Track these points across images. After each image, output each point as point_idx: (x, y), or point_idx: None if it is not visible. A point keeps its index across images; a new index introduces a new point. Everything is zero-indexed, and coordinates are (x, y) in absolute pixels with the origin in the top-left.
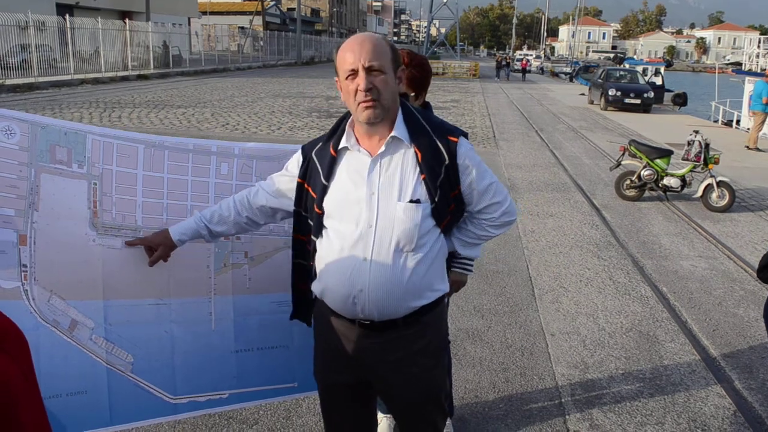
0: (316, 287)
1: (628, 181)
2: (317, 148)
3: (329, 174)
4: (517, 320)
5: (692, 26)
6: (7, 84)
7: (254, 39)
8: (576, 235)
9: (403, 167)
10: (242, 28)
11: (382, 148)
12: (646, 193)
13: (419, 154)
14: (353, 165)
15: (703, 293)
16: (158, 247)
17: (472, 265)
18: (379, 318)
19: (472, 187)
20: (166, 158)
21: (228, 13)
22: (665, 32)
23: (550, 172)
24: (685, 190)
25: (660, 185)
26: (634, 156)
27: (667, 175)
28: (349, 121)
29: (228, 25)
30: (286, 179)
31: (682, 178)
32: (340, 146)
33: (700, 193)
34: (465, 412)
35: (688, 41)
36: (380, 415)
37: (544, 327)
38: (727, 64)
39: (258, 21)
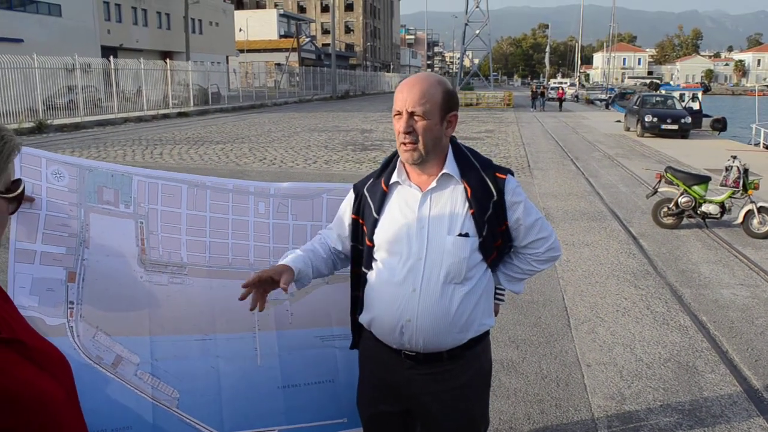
0: (364, 317)
1: (665, 209)
2: (369, 184)
3: (380, 208)
4: (553, 351)
5: (730, 49)
6: (55, 124)
7: (290, 75)
8: (612, 265)
9: (452, 202)
10: (279, 64)
11: (433, 184)
12: (685, 221)
13: (468, 190)
14: (404, 199)
15: (745, 322)
16: (280, 275)
17: (504, 294)
18: (425, 349)
19: (518, 223)
20: (208, 197)
21: (265, 50)
22: (702, 56)
23: (585, 200)
24: (725, 217)
25: (698, 212)
26: (670, 183)
27: (705, 201)
28: (401, 157)
29: (265, 62)
30: (342, 222)
31: (721, 205)
32: (392, 181)
33: (740, 219)
34: None
35: (727, 64)
36: None
37: (580, 358)
38: (767, 86)
39: (294, 57)
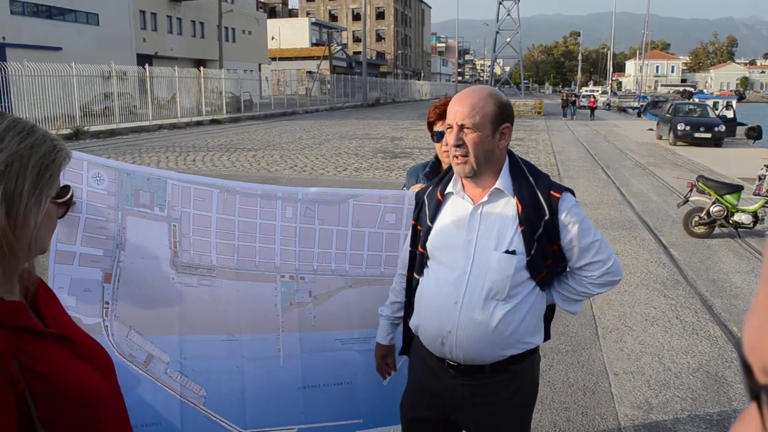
0: (412, 323)
1: (696, 218)
2: (428, 191)
3: (434, 216)
4: (580, 359)
5: (766, 56)
6: (91, 130)
7: (321, 83)
8: (642, 274)
9: (503, 217)
10: (310, 72)
11: (485, 198)
12: (717, 230)
13: (520, 207)
14: (456, 210)
15: None
16: (387, 360)
17: None
18: (465, 361)
19: (572, 244)
20: (237, 202)
21: (296, 58)
22: (737, 63)
23: (616, 209)
24: (758, 226)
25: (730, 221)
26: (702, 192)
27: (737, 211)
28: (454, 170)
29: (296, 69)
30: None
31: (754, 214)
32: (447, 191)
33: None
34: None
35: (762, 72)
36: None
37: (608, 366)
38: None
39: (325, 65)
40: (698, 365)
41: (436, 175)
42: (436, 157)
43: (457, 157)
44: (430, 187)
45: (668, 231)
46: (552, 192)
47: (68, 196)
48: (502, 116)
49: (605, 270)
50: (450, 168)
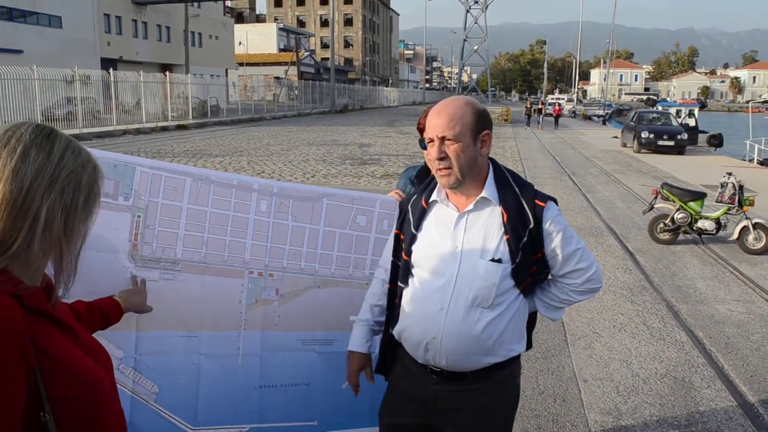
0: (396, 329)
1: (661, 225)
2: (413, 200)
3: (418, 224)
4: (550, 366)
5: (726, 66)
6: None
7: (289, 89)
8: (609, 280)
9: (488, 226)
10: (278, 78)
11: (471, 206)
12: (681, 237)
13: (505, 215)
14: (441, 218)
15: (741, 338)
16: (363, 368)
17: None
18: (448, 368)
19: (556, 252)
20: (212, 192)
21: (264, 64)
22: (698, 73)
23: (582, 216)
24: (721, 233)
25: (694, 228)
26: (666, 199)
27: (701, 217)
28: (438, 182)
29: (264, 75)
30: (390, 244)
31: (717, 221)
32: (431, 199)
33: (735, 235)
34: None
35: (723, 81)
36: None
37: (577, 373)
38: (762, 103)
39: (293, 71)
40: (666, 371)
41: (422, 181)
42: (425, 163)
43: (441, 170)
44: (415, 196)
45: (634, 237)
46: (537, 201)
47: None
48: (481, 124)
49: (587, 277)
50: (434, 177)
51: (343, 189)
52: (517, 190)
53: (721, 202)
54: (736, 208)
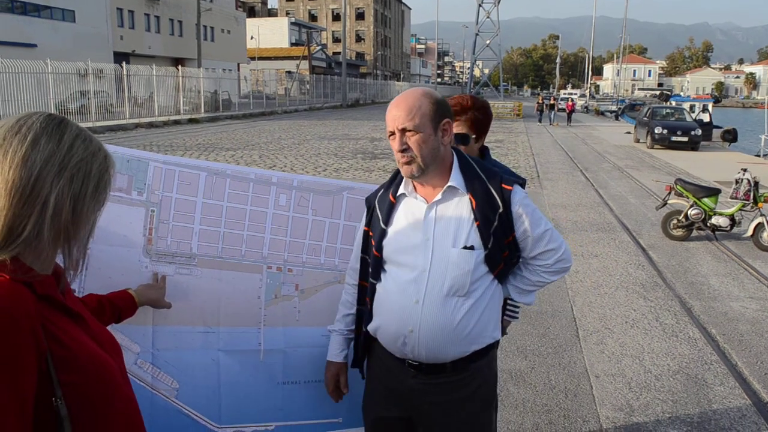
0: (371, 326)
1: (675, 221)
2: (379, 195)
3: (388, 219)
4: (561, 361)
5: (741, 61)
6: None
7: (301, 83)
8: (621, 276)
9: (458, 214)
10: (289, 72)
11: (439, 197)
12: (695, 233)
13: (474, 202)
14: (410, 211)
15: (755, 335)
16: (339, 378)
17: (518, 312)
18: (427, 360)
19: (526, 234)
20: (227, 186)
21: (276, 58)
22: (713, 68)
23: (595, 211)
24: (735, 230)
25: (708, 224)
26: (680, 195)
27: (715, 214)
28: (402, 173)
29: (276, 69)
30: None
31: (731, 217)
32: (399, 193)
33: (750, 232)
34: None
35: (737, 77)
36: None
37: (589, 369)
38: None
39: (305, 65)
40: (678, 367)
41: None
42: None
43: (403, 160)
44: (381, 191)
45: (647, 233)
46: (503, 185)
47: None
48: (440, 113)
49: (558, 257)
50: (399, 170)
51: (364, 183)
52: (483, 176)
53: (736, 198)
54: (751, 204)
